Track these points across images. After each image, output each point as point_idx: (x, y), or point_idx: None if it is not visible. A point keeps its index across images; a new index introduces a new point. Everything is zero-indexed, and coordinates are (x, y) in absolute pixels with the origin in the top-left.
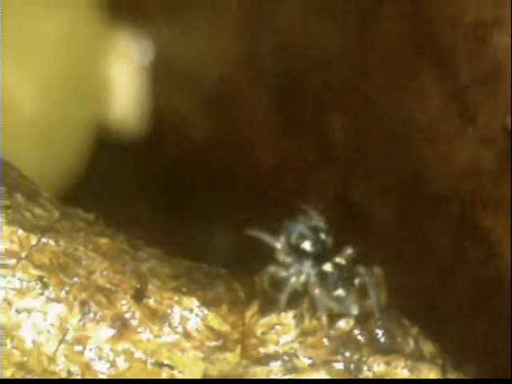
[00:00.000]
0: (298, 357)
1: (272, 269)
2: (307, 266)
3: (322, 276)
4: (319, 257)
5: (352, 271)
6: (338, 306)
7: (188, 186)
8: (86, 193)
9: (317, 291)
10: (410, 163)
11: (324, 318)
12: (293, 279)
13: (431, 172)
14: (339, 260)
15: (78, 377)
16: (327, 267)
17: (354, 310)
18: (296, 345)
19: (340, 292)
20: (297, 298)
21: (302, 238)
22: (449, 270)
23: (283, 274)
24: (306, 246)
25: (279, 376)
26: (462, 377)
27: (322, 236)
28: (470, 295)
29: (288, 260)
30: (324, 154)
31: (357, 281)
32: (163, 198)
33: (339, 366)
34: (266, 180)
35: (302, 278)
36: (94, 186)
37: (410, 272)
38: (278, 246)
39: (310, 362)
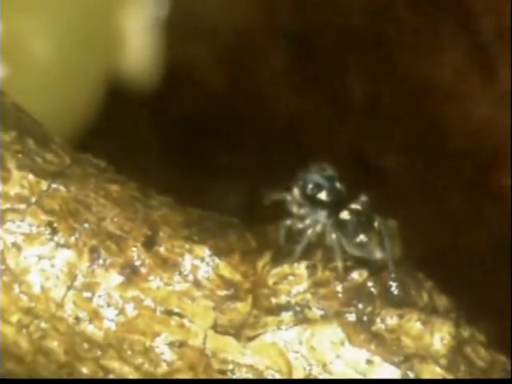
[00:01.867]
0: (310, 308)
1: (288, 222)
2: (323, 216)
3: (341, 224)
4: (335, 206)
5: (369, 217)
6: (361, 252)
7: (201, 138)
8: (98, 142)
9: (335, 239)
10: (427, 120)
11: (340, 266)
12: (309, 231)
13: (449, 129)
14: (355, 206)
15: (86, 322)
16: (345, 215)
17: (378, 254)
18: (308, 296)
19: (362, 238)
20: (310, 249)
21: (317, 187)
22: (464, 227)
23: (300, 225)
24: (322, 195)
25: (290, 326)
26: (475, 332)
27: (337, 185)
28: (485, 253)
29: (303, 211)
30: (341, 110)
31: (376, 224)
32: (176, 150)
33: (352, 317)
34: (280, 133)
35: (319, 228)
36: (106, 135)
37: (425, 228)
38: (292, 198)
39: (321, 313)
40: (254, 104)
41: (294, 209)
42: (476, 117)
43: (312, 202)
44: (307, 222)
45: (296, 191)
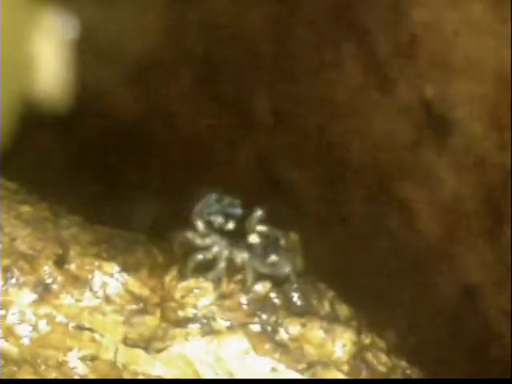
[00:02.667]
0: (215, 319)
1: (199, 256)
2: (230, 243)
3: (250, 247)
4: (239, 231)
5: (275, 235)
6: (272, 270)
7: (112, 159)
8: (12, 162)
9: (246, 259)
10: (330, 136)
11: (250, 281)
12: (220, 262)
13: (350, 144)
14: (261, 228)
15: (1, 340)
16: (253, 239)
17: (286, 269)
18: (214, 308)
19: (273, 258)
20: (214, 263)
21: (219, 217)
22: (368, 238)
23: (208, 256)
24: (225, 224)
25: (198, 338)
26: (376, 338)
27: (237, 211)
28: (388, 263)
29: (209, 241)
30: (247, 127)
31: (282, 242)
32: (88, 170)
33: (256, 327)
34: (189, 151)
35: (227, 254)
36: (20, 156)
37: (329, 239)
38: (196, 232)
39: (227, 324)
40: (163, 124)
41: (199, 241)
42: (376, 130)
43: (216, 231)
44: (214, 250)
45: (200, 225)
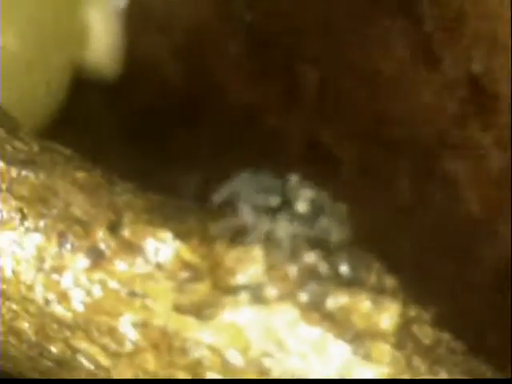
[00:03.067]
0: (265, 288)
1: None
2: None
3: (296, 216)
4: (280, 206)
5: (321, 203)
6: (323, 234)
7: (162, 127)
8: (63, 130)
9: (294, 232)
10: (376, 109)
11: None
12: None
13: (396, 117)
14: (306, 193)
15: (55, 304)
16: (301, 206)
17: (331, 237)
18: (264, 277)
19: (323, 221)
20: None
21: (256, 197)
22: (411, 212)
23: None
24: (270, 200)
25: (247, 306)
26: (422, 311)
27: (274, 185)
28: (432, 236)
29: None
30: (293, 98)
31: (327, 208)
32: (136, 136)
33: (305, 297)
34: (236, 121)
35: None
36: (71, 124)
37: (373, 212)
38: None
39: (276, 293)
40: (211, 92)
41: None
42: (422, 104)
43: (257, 210)
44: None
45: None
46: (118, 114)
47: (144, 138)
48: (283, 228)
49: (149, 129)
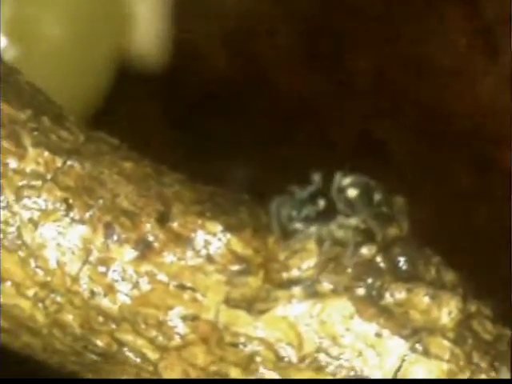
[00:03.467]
0: (320, 282)
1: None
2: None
3: (348, 205)
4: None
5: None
6: (382, 228)
7: (209, 116)
8: (109, 120)
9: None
10: (433, 100)
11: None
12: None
13: (454, 109)
14: (349, 181)
15: (101, 296)
16: (350, 192)
17: (398, 227)
18: (318, 271)
19: (377, 197)
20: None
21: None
22: (470, 206)
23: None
24: (313, 213)
25: (301, 300)
26: (482, 306)
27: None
28: (491, 231)
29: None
30: (346, 87)
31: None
32: (183, 127)
33: (361, 292)
34: (287, 111)
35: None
36: (117, 113)
37: (432, 207)
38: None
39: (331, 287)
40: (260, 82)
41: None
42: (480, 97)
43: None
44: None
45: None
46: (165, 104)
47: (191, 128)
48: (338, 223)
49: (196, 119)
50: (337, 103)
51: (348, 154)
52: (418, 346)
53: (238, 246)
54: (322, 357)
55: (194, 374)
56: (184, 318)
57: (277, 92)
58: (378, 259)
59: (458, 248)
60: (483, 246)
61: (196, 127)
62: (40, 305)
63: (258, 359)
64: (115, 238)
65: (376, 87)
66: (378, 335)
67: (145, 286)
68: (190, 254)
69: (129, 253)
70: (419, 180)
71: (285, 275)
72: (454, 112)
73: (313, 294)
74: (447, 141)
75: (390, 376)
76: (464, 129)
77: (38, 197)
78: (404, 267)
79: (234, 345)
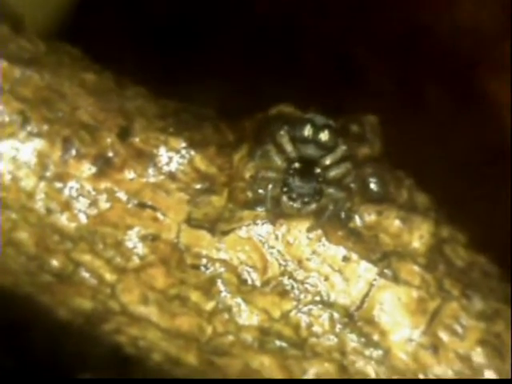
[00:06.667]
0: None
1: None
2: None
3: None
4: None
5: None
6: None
7: (181, 32)
8: (75, 40)
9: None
10: (408, 19)
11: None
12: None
13: (432, 28)
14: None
15: (58, 214)
16: (323, 136)
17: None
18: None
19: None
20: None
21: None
22: (447, 129)
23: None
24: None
25: (266, 221)
26: (455, 231)
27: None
28: (468, 155)
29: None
30: (325, 8)
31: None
32: (155, 43)
33: (329, 213)
34: (263, 30)
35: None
36: (84, 28)
37: (407, 127)
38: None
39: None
40: (234, 4)
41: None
42: (462, 15)
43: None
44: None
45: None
46: (133, 22)
47: (160, 47)
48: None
49: (165, 38)
50: (315, 22)
51: (326, 74)
52: (388, 271)
53: (202, 164)
54: (286, 281)
55: (152, 297)
56: (143, 238)
57: (253, 9)
58: (348, 179)
59: (433, 173)
60: (458, 171)
61: (165, 46)
62: None
63: (220, 282)
64: (73, 152)
65: (355, 6)
66: (346, 259)
67: (103, 204)
68: (151, 171)
69: (87, 169)
70: (395, 100)
71: (250, 195)
72: (432, 31)
73: (278, 214)
74: (425, 60)
75: (357, 301)
76: (443, 50)
77: None
78: (375, 189)
79: (195, 267)
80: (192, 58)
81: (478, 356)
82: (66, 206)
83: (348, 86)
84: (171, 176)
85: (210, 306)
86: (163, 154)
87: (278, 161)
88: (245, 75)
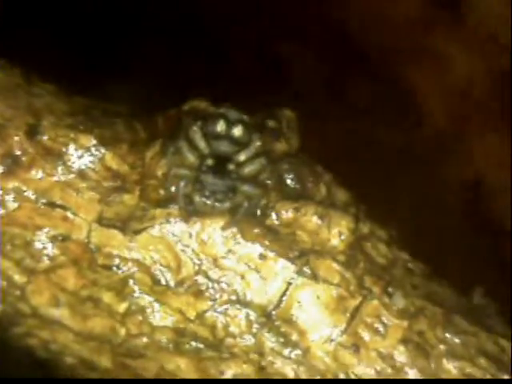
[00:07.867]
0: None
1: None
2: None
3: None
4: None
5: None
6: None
7: (103, 30)
8: None
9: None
10: (323, 15)
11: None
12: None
13: (354, 20)
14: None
15: None
16: (237, 131)
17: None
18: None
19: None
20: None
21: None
22: (370, 122)
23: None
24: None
25: (179, 219)
26: (376, 228)
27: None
28: (392, 149)
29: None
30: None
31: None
32: (69, 36)
33: (244, 210)
34: (188, 27)
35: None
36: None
37: (331, 122)
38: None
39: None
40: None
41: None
42: (379, 7)
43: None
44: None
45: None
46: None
47: (80, 44)
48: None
49: (86, 32)
50: (239, 24)
51: (248, 72)
52: (306, 269)
53: (113, 162)
54: (201, 280)
55: (63, 299)
56: (53, 239)
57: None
58: (264, 175)
59: (356, 168)
60: (383, 167)
61: (85, 43)
62: None
63: (133, 283)
64: None
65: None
66: (263, 257)
67: (11, 203)
68: (60, 169)
69: None
70: (319, 96)
71: (162, 192)
72: (354, 23)
73: (192, 212)
74: (348, 54)
75: (274, 300)
76: (365, 42)
77: None
78: (292, 185)
79: (107, 267)
80: (115, 56)
81: (401, 355)
82: None
83: (271, 82)
84: (81, 174)
85: (122, 307)
86: (73, 151)
87: (191, 157)
88: (167, 72)
